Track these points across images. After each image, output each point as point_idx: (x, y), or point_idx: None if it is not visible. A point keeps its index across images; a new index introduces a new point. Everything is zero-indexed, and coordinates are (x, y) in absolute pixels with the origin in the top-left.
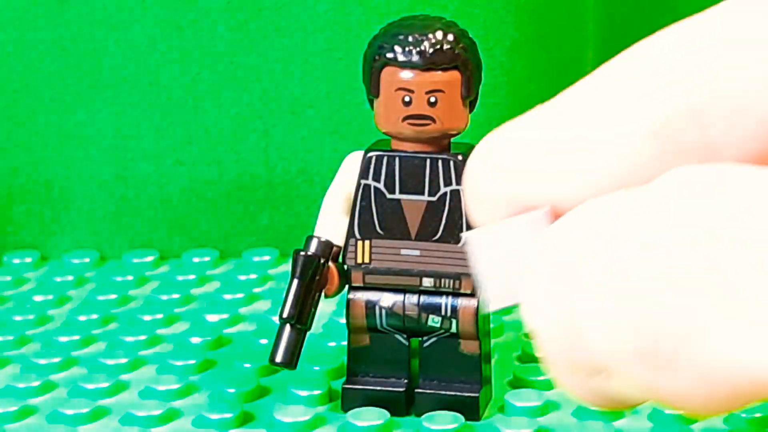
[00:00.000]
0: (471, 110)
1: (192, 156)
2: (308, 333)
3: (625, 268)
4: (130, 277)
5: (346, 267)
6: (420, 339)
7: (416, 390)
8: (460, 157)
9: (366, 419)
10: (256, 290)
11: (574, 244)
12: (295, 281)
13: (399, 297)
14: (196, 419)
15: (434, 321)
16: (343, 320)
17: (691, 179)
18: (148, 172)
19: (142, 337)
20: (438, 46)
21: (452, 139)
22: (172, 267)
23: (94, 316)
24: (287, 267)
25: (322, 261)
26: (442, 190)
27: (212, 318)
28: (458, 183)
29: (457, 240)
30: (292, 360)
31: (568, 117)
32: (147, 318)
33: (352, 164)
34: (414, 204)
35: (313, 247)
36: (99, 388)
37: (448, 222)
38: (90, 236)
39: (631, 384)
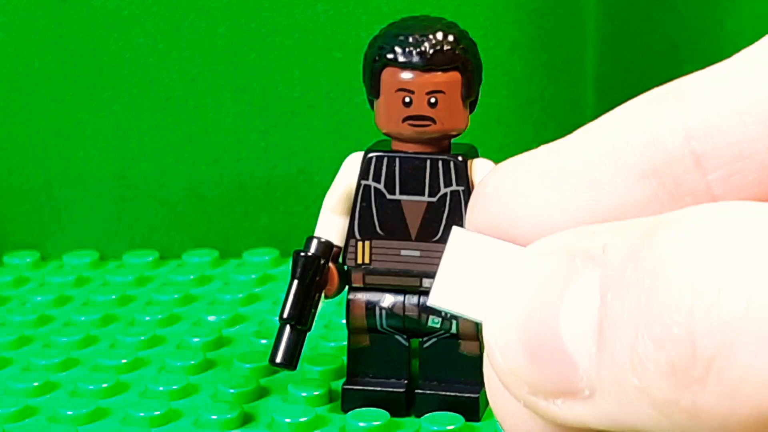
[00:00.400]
0: (471, 111)
1: (192, 156)
2: (308, 333)
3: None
4: (129, 278)
5: (346, 268)
6: (420, 340)
7: (416, 391)
8: (460, 158)
9: (366, 420)
10: (256, 290)
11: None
12: (295, 282)
13: (399, 298)
14: (196, 420)
15: (434, 322)
16: (343, 321)
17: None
18: (148, 172)
19: (142, 338)
20: (438, 47)
21: (452, 140)
22: (172, 267)
23: (94, 317)
24: (287, 267)
25: (322, 262)
26: (443, 190)
27: (212, 318)
28: (458, 184)
29: None
30: (292, 360)
31: (570, 152)
32: (147, 318)
33: (352, 165)
34: (414, 205)
35: (313, 247)
36: (99, 388)
37: (448, 223)
38: (90, 236)
39: (607, 408)
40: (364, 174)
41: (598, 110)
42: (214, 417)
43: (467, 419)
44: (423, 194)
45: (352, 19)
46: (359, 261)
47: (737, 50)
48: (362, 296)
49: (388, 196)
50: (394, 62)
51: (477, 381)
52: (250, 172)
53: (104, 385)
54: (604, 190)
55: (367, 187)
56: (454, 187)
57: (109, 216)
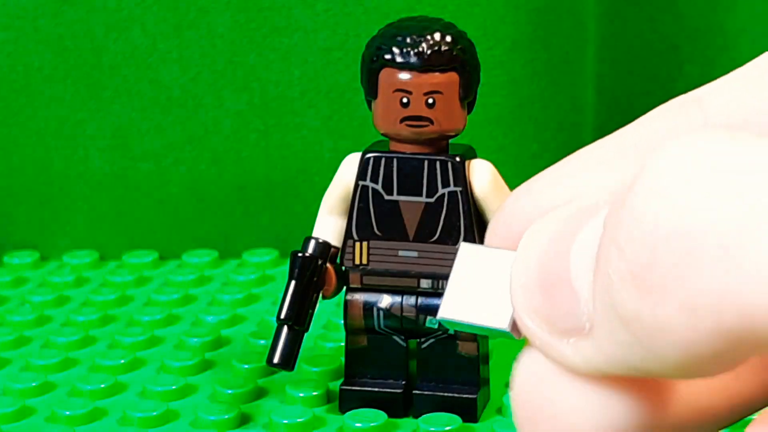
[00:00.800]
0: (469, 111)
1: (192, 156)
2: (306, 334)
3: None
4: (129, 278)
5: (343, 268)
6: (418, 340)
7: (414, 391)
8: (458, 159)
9: (363, 420)
10: (255, 291)
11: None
12: (293, 282)
13: (397, 298)
14: (194, 420)
15: (432, 322)
16: (341, 321)
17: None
18: (147, 172)
19: (141, 338)
20: (436, 48)
21: (450, 141)
22: (171, 267)
23: (93, 317)
24: (286, 268)
25: (319, 262)
26: (440, 191)
27: (211, 318)
28: (456, 184)
29: (455, 241)
30: (289, 361)
31: (575, 170)
32: (146, 318)
33: (350, 165)
34: (412, 205)
35: (310, 248)
36: (97, 388)
37: (445, 223)
38: (89, 236)
39: (608, 338)
40: (361, 175)
41: (598, 110)
42: (212, 417)
43: (465, 420)
44: (421, 195)
45: (352, 19)
46: (357, 262)
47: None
48: (360, 297)
49: (386, 197)
50: (392, 63)
51: (475, 382)
52: (250, 172)
53: (102, 386)
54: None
55: (365, 188)
56: (451, 188)
57: (109, 216)
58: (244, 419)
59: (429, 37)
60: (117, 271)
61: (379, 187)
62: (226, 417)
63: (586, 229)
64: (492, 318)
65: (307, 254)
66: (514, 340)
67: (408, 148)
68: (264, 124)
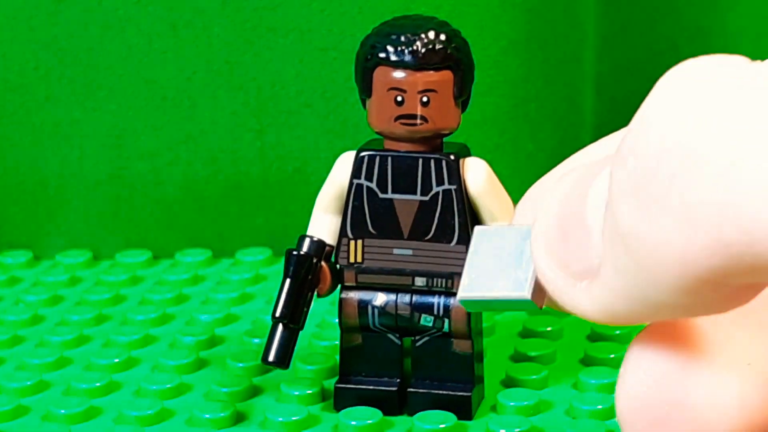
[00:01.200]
0: (463, 110)
1: (187, 155)
2: (300, 332)
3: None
4: (123, 277)
5: (338, 266)
6: (412, 338)
7: (409, 389)
8: (452, 157)
9: (358, 418)
10: (249, 290)
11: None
12: (288, 281)
13: (391, 296)
14: (188, 418)
15: (427, 320)
16: (336, 320)
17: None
18: (142, 171)
19: (135, 337)
20: (430, 46)
21: (444, 139)
22: (165, 266)
23: (88, 316)
24: (280, 266)
25: (314, 260)
26: (435, 189)
27: (205, 317)
28: (450, 183)
29: (450, 239)
30: (284, 359)
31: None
32: (140, 317)
33: (344, 164)
34: (406, 203)
35: (305, 246)
36: (92, 387)
37: (440, 221)
38: (83, 236)
39: (614, 274)
40: (356, 173)
41: (597, 110)
42: (207, 416)
43: (459, 418)
44: (415, 193)
45: (348, 18)
46: (351, 260)
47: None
48: (354, 295)
49: (381, 195)
50: (386, 61)
51: (469, 379)
52: (246, 171)
53: (97, 384)
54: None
55: (360, 186)
56: (446, 186)
57: (104, 215)
58: (239, 417)
59: (423, 35)
60: (111, 270)
61: (373, 185)
62: (221, 415)
63: (600, 175)
64: (512, 289)
65: (302, 252)
66: (537, 310)
67: (402, 147)
68: (259, 123)
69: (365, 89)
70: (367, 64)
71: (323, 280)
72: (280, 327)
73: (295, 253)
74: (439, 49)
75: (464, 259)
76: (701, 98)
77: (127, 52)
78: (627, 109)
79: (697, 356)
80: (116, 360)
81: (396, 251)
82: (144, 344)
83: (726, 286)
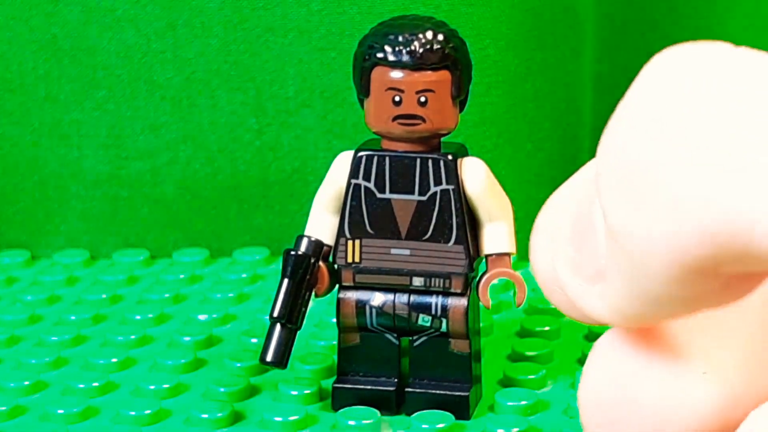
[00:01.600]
0: (461, 110)
1: (185, 155)
2: (298, 332)
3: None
4: (120, 277)
5: (336, 266)
6: (410, 338)
7: (406, 389)
8: (450, 157)
9: (356, 418)
10: (247, 289)
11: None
12: (286, 280)
13: (389, 296)
14: (186, 418)
15: (424, 320)
16: (334, 320)
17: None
18: (142, 171)
19: (133, 337)
20: (428, 46)
21: (442, 139)
22: (163, 266)
23: (85, 316)
24: (278, 266)
25: (312, 260)
26: (432, 189)
27: (202, 317)
28: (448, 182)
29: (447, 240)
30: (282, 359)
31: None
32: (137, 317)
33: (342, 164)
34: (404, 203)
35: (303, 246)
36: (90, 387)
37: (438, 222)
38: (81, 235)
39: (618, 276)
40: (354, 173)
41: (596, 110)
42: (205, 416)
43: (457, 418)
44: (413, 193)
45: (346, 18)
46: (349, 260)
47: None
48: (352, 295)
49: (378, 195)
50: (384, 61)
51: (467, 379)
52: (245, 171)
53: (95, 384)
54: None
55: (357, 186)
56: (443, 186)
57: (102, 215)
58: (237, 417)
59: (421, 35)
60: (108, 270)
61: (371, 185)
62: (219, 415)
63: None
64: None
65: (300, 252)
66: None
67: (400, 147)
68: (258, 123)
69: (363, 89)
70: (364, 64)
71: (321, 280)
72: (278, 327)
73: (293, 253)
74: (437, 49)
75: (462, 259)
76: (683, 89)
77: (125, 52)
78: None
79: (656, 358)
80: (114, 360)
81: (394, 251)
82: (142, 344)
83: (718, 276)
